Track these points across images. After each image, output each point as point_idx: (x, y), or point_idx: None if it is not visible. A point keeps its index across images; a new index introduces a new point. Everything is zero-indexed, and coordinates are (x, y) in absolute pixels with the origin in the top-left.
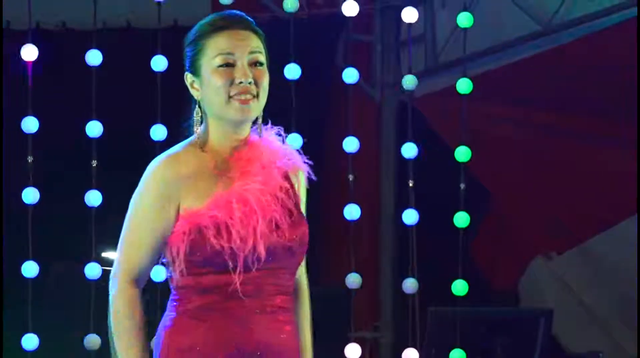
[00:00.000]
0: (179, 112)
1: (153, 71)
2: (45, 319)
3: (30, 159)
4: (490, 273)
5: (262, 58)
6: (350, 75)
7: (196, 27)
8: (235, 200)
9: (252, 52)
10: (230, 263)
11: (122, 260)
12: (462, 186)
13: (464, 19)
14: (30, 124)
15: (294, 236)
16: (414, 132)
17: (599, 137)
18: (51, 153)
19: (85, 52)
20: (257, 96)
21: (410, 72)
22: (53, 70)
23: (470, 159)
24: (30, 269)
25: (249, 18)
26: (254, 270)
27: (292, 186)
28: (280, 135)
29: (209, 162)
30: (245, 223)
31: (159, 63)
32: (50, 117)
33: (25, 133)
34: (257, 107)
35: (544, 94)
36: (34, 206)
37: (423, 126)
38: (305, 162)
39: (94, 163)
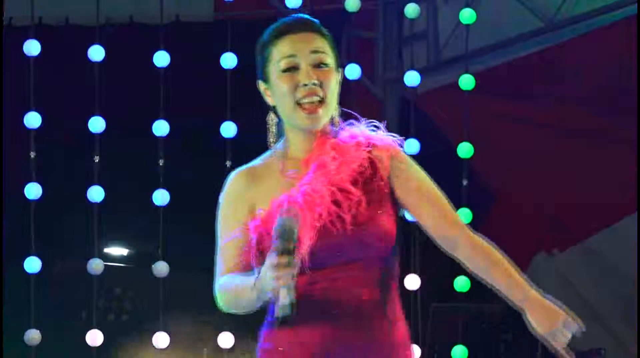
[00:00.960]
0: (182, 108)
1: (156, 67)
2: (48, 315)
3: (32, 154)
4: None
5: (327, 58)
6: (353, 71)
7: (263, 35)
8: (286, 204)
9: (314, 52)
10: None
11: (217, 269)
12: (465, 182)
13: (467, 16)
14: (32, 120)
15: (362, 228)
16: (416, 129)
17: (600, 134)
18: (54, 148)
19: (87, 48)
20: (323, 100)
21: (412, 69)
22: (55, 65)
23: (473, 156)
24: (32, 265)
25: (314, 20)
26: (307, 270)
27: (370, 176)
28: (375, 127)
29: (279, 167)
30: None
31: (161, 58)
32: (53, 113)
33: (27, 129)
34: (325, 113)
35: (546, 90)
36: (37, 201)
37: (425, 122)
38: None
39: (97, 159)
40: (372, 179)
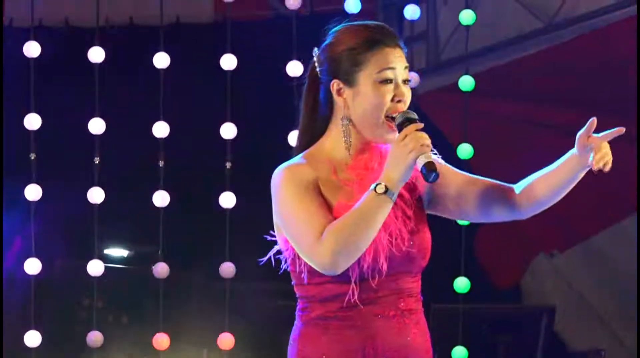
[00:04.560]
0: (181, 109)
1: (155, 68)
2: (49, 316)
3: (32, 156)
4: (493, 270)
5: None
6: None
7: (344, 36)
8: None
9: (406, 68)
10: (350, 274)
11: (307, 237)
12: None
13: (466, 17)
14: (32, 122)
15: (412, 243)
16: None
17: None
18: (53, 150)
19: (87, 49)
20: None
21: (412, 70)
22: (55, 67)
23: (473, 157)
24: (32, 266)
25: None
26: (373, 280)
27: (411, 190)
28: None
29: (328, 169)
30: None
31: (161, 60)
32: (53, 115)
33: (27, 130)
34: None
35: (546, 91)
36: (37, 203)
37: (425, 123)
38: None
39: (97, 160)
40: (411, 194)
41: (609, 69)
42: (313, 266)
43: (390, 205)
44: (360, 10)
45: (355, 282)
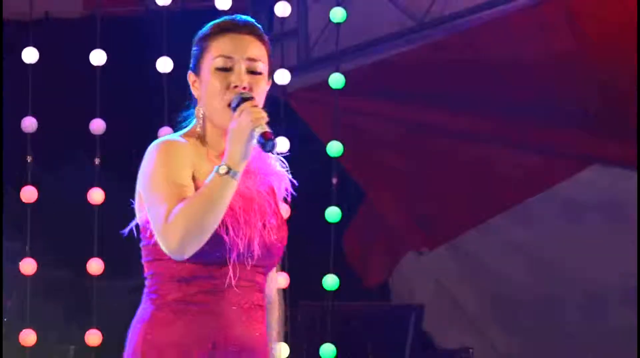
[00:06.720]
0: (50, 104)
1: (24, 63)
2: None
3: (29, 159)
4: (362, 268)
5: (261, 67)
6: None
7: (204, 28)
8: (240, 196)
9: (250, 59)
10: (223, 256)
11: (161, 213)
12: (334, 181)
13: (337, 14)
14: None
15: (276, 238)
16: (286, 128)
17: (470, 134)
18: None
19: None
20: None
21: (282, 67)
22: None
23: (343, 155)
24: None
25: (257, 24)
26: (235, 268)
27: (273, 190)
28: None
29: (206, 153)
30: (247, 220)
31: (30, 55)
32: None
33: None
34: None
35: (416, 89)
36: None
37: (295, 120)
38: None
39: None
40: (278, 193)
41: (479, 67)
42: (162, 248)
43: (235, 185)
44: (231, 7)
45: (216, 264)
